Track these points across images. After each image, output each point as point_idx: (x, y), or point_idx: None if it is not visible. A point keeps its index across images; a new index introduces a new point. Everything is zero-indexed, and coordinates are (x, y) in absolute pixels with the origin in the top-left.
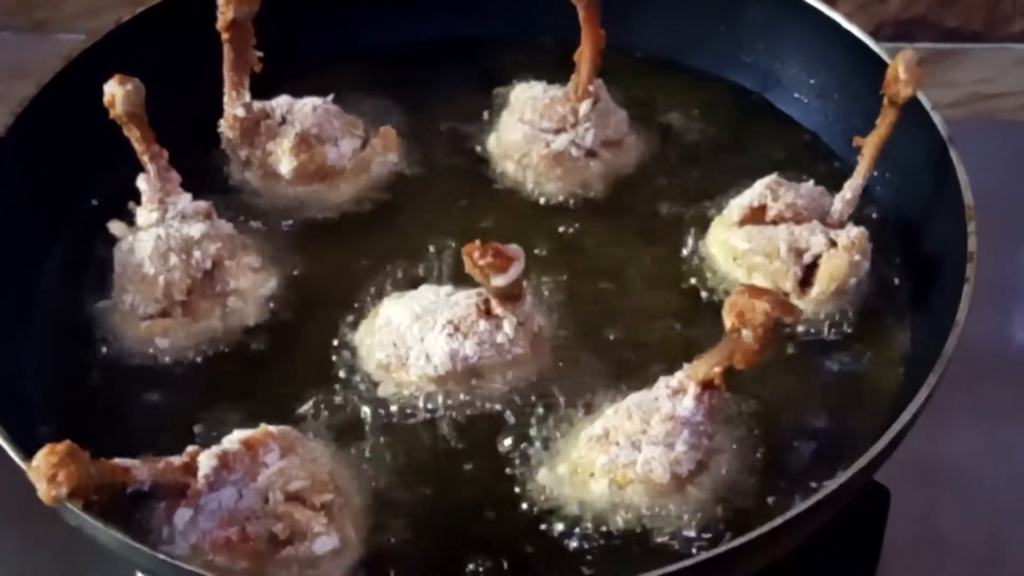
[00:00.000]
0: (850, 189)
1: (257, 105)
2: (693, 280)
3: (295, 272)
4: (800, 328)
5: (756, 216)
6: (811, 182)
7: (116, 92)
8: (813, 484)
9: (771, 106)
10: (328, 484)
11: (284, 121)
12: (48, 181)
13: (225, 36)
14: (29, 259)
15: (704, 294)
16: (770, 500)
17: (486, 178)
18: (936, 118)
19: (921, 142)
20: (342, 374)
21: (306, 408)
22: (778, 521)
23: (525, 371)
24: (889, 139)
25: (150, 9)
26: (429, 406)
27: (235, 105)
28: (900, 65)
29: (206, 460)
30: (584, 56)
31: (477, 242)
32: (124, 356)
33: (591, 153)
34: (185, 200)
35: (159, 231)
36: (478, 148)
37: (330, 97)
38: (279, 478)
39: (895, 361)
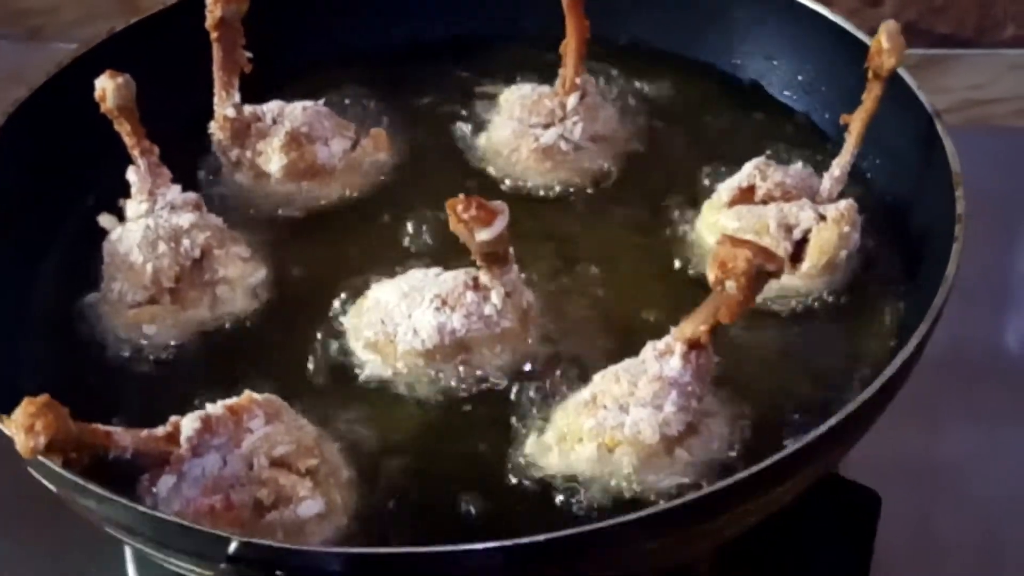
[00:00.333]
0: (838, 166)
1: (248, 109)
2: (683, 263)
3: (284, 263)
4: (792, 302)
5: (745, 196)
6: (800, 163)
7: (107, 86)
8: None
9: (759, 96)
10: (313, 449)
11: (275, 123)
12: (41, 183)
13: (214, 35)
14: (24, 258)
15: (694, 276)
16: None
17: (476, 175)
18: (921, 95)
19: (908, 117)
20: (330, 357)
21: (294, 394)
22: (752, 470)
23: (513, 345)
24: (875, 114)
25: (143, 19)
26: (417, 381)
27: (225, 106)
28: (882, 36)
29: (189, 423)
30: (569, 47)
31: (461, 195)
32: (113, 345)
33: (580, 147)
34: (175, 191)
35: (148, 221)
36: (468, 147)
37: (321, 100)
38: (264, 443)
39: (888, 331)
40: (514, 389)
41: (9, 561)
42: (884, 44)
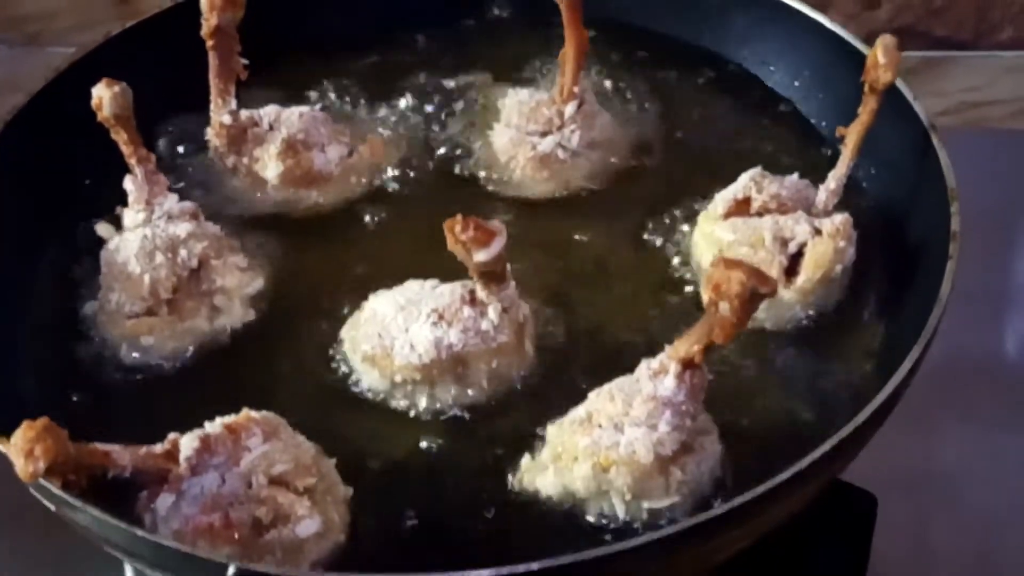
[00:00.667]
0: (834, 179)
1: (245, 114)
2: (679, 274)
3: (282, 272)
4: (785, 316)
5: (741, 208)
6: (795, 175)
7: (104, 94)
8: None
9: (757, 106)
10: (311, 468)
11: (272, 129)
12: (39, 190)
13: (209, 43)
14: (22, 266)
15: (690, 288)
16: (749, 487)
17: (474, 183)
18: (917, 107)
19: (904, 130)
20: (328, 369)
21: (291, 404)
22: (749, 495)
23: (510, 360)
24: (872, 127)
25: (139, 23)
26: (414, 397)
27: (221, 112)
28: (879, 50)
29: (188, 442)
30: (568, 57)
31: (459, 216)
32: (111, 355)
33: (577, 154)
34: (171, 200)
35: (145, 231)
36: (466, 154)
37: (318, 106)
38: (262, 462)
39: (882, 347)
40: (510, 403)
41: (9, 570)
42: (880, 59)
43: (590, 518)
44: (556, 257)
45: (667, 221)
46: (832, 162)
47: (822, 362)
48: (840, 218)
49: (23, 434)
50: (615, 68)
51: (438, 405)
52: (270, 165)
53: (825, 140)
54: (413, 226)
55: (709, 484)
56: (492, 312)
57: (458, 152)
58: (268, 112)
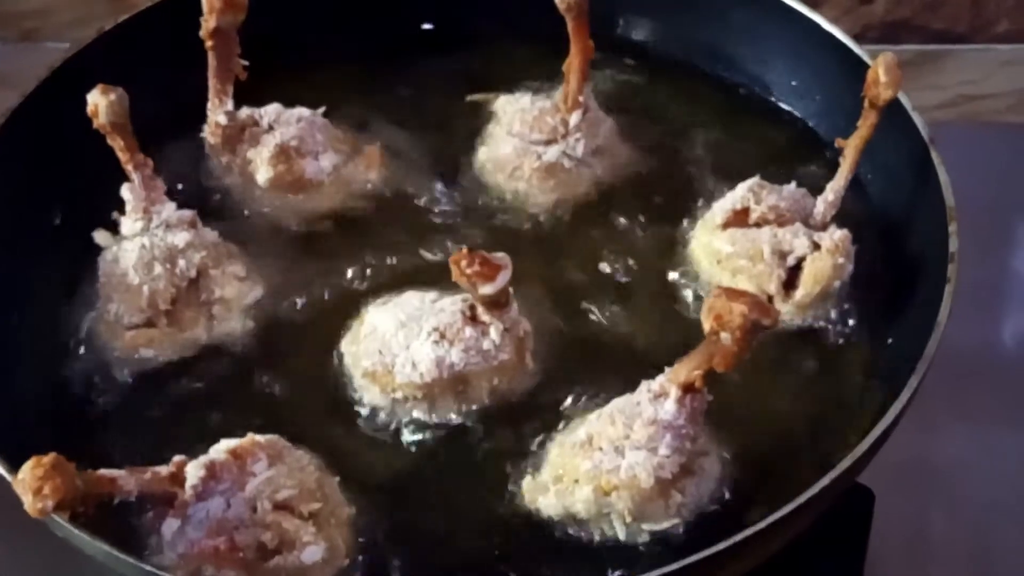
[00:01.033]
0: (832, 191)
1: (245, 112)
2: (680, 283)
3: (280, 281)
4: (783, 331)
5: (739, 219)
6: (793, 184)
7: (99, 102)
8: (796, 488)
9: (755, 108)
10: (316, 493)
11: (271, 128)
12: (35, 195)
13: (208, 44)
14: (18, 273)
15: (689, 298)
16: (753, 504)
17: (476, 191)
18: (917, 119)
19: (903, 144)
20: (328, 383)
21: (292, 418)
22: (758, 527)
23: (511, 377)
24: (870, 141)
25: (133, 16)
26: (415, 413)
27: (218, 112)
28: (880, 68)
29: (193, 471)
30: (573, 67)
31: (464, 250)
32: (110, 366)
33: (582, 163)
34: (170, 209)
35: (143, 240)
36: (468, 159)
37: (320, 110)
38: (267, 487)
39: (878, 363)
40: (512, 419)
41: (10, 569)
42: (881, 77)
43: (590, 538)
44: (558, 268)
45: (669, 229)
46: (831, 166)
47: (818, 376)
48: (839, 234)
49: (31, 472)
50: (614, 67)
51: (439, 421)
52: (261, 169)
53: (825, 145)
54: (411, 236)
55: (709, 503)
56: (494, 332)
57: (459, 159)
58: (269, 111)
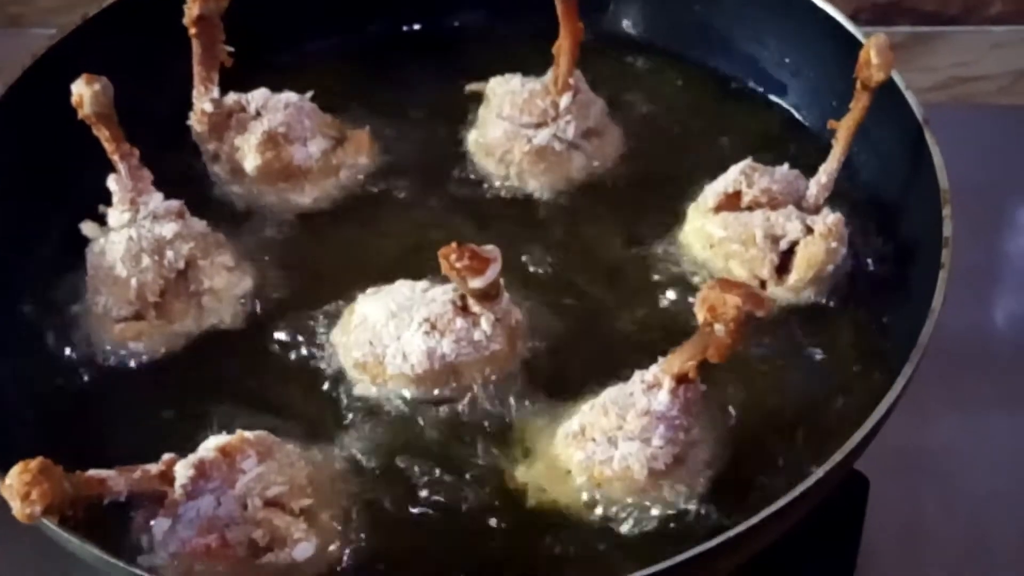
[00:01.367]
0: (825, 173)
1: (232, 98)
2: (673, 267)
3: (269, 272)
4: (776, 316)
5: (731, 202)
6: (786, 166)
7: (84, 92)
8: (790, 476)
9: (747, 88)
10: (306, 489)
11: (259, 115)
12: (21, 182)
13: (192, 31)
14: (4, 265)
15: (683, 282)
16: (748, 493)
17: (466, 175)
18: (911, 100)
19: (897, 124)
20: (319, 374)
21: (283, 409)
22: (754, 519)
23: (503, 366)
24: (863, 122)
25: (117, 2)
26: (406, 404)
27: (203, 100)
28: (872, 49)
29: (183, 470)
30: (563, 49)
31: (453, 244)
32: (100, 359)
33: (573, 145)
34: (157, 200)
35: (131, 232)
36: (457, 145)
37: (308, 94)
38: (257, 484)
39: (872, 349)
40: (503, 410)
41: (9, 569)
42: (873, 58)
43: (583, 526)
44: (550, 253)
45: (659, 213)
46: (824, 149)
47: (812, 363)
48: (832, 218)
49: (19, 477)
50: (603, 51)
51: (430, 412)
52: (248, 157)
53: (815, 131)
54: (401, 223)
55: (703, 494)
56: (485, 323)
57: (450, 142)
58: (256, 97)
